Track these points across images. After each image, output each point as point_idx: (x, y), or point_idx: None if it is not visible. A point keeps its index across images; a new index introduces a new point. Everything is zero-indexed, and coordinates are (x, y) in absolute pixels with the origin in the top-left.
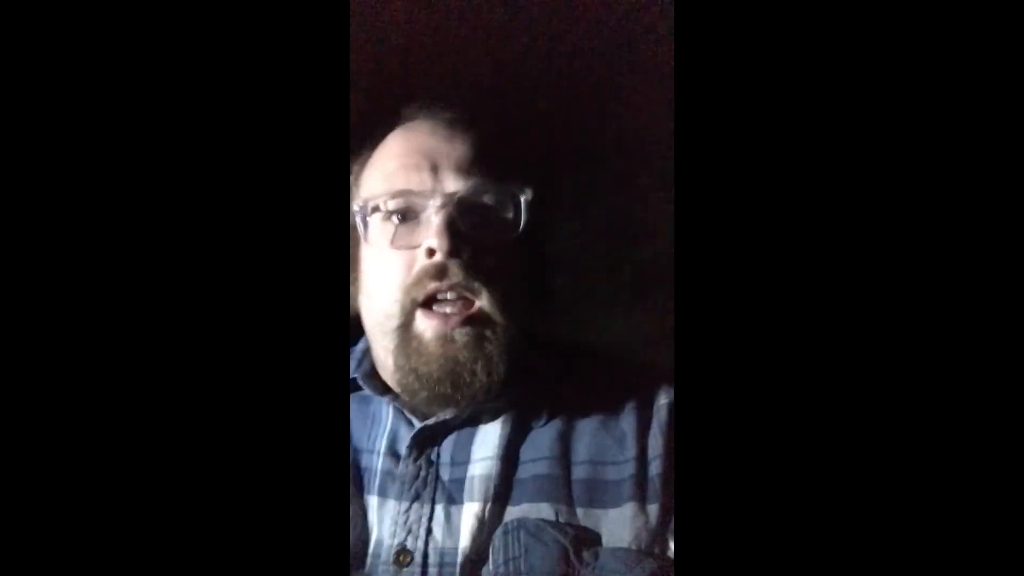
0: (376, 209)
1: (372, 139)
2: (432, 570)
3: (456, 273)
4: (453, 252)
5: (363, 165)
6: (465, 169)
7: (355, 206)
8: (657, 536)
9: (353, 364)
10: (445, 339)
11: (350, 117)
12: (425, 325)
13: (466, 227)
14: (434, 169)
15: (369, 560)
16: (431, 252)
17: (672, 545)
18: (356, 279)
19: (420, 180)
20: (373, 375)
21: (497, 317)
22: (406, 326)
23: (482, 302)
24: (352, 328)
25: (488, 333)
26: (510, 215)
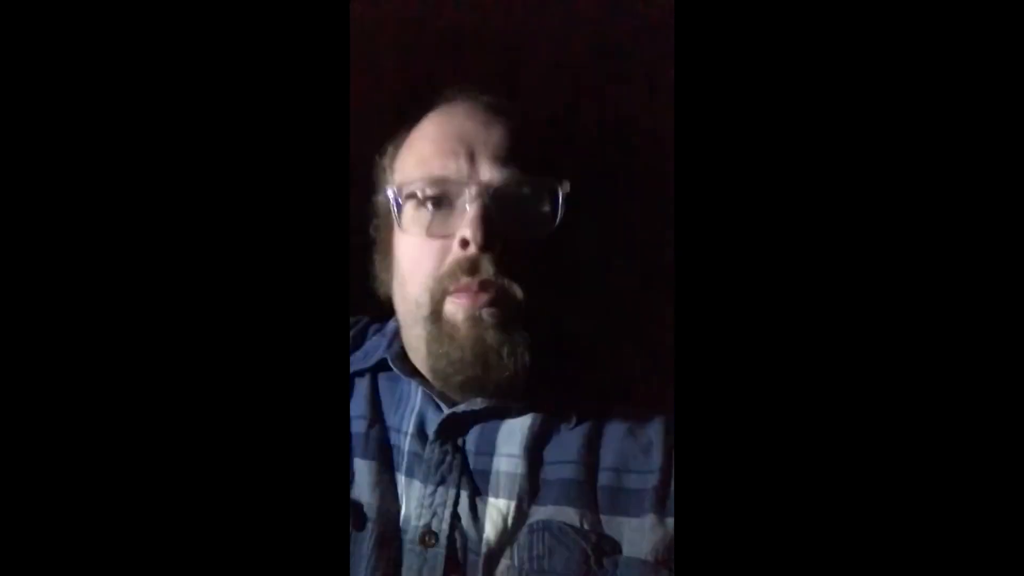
0: (411, 196)
1: (408, 119)
2: (457, 553)
3: (487, 268)
4: (487, 245)
5: (398, 146)
6: (502, 158)
7: (389, 191)
8: (673, 550)
9: (384, 344)
10: (474, 320)
11: (350, 103)
12: (455, 307)
13: (501, 219)
14: (470, 156)
15: (399, 535)
16: (465, 243)
17: None
18: (389, 265)
19: (456, 167)
20: (403, 357)
21: (524, 305)
22: (437, 313)
23: (512, 291)
24: (385, 311)
25: (515, 318)
26: (547, 208)
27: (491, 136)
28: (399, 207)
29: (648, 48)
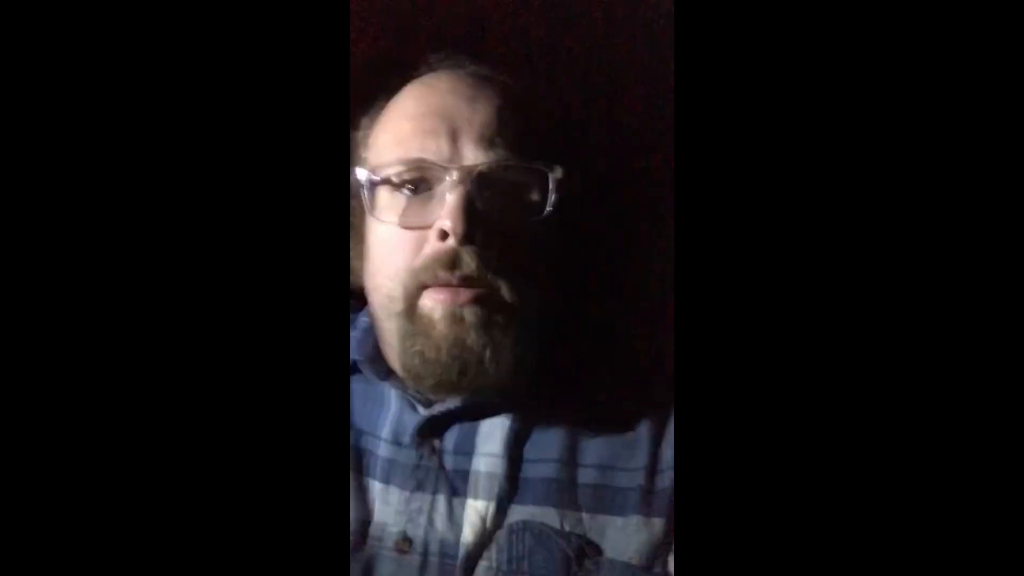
0: (385, 180)
1: (386, 89)
2: (432, 559)
3: (469, 263)
4: (468, 238)
5: (374, 119)
6: (488, 138)
7: (361, 174)
8: (660, 552)
9: (353, 345)
10: (453, 318)
11: (351, 64)
12: (433, 303)
13: (485, 207)
14: (453, 136)
15: (369, 543)
16: (443, 235)
17: (672, 562)
18: (360, 253)
19: (437, 148)
20: (376, 358)
21: (510, 304)
22: (411, 308)
23: (497, 288)
24: (358, 301)
25: (499, 319)
26: (536, 196)
27: (476, 114)
28: (372, 191)
29: (648, 37)
